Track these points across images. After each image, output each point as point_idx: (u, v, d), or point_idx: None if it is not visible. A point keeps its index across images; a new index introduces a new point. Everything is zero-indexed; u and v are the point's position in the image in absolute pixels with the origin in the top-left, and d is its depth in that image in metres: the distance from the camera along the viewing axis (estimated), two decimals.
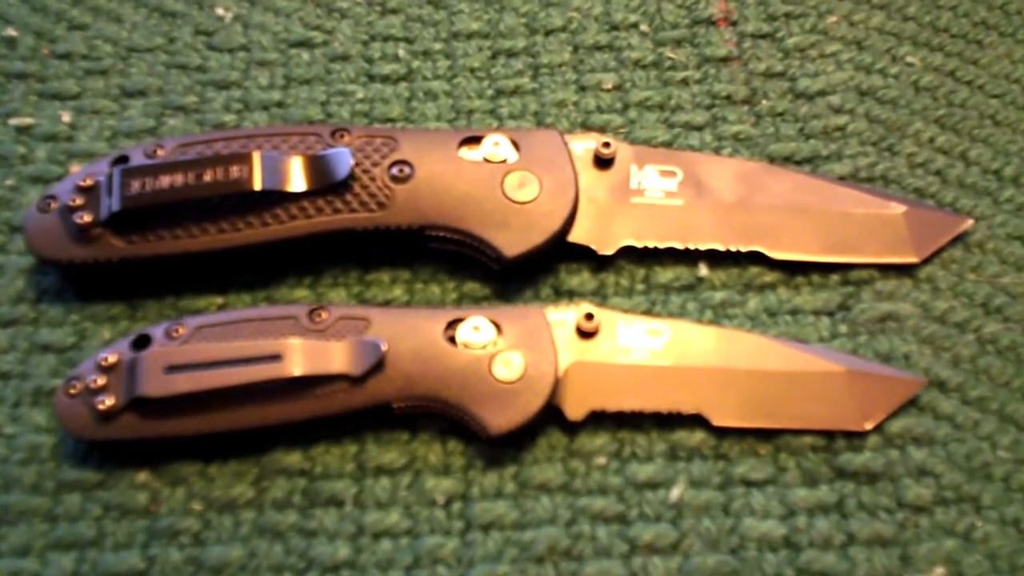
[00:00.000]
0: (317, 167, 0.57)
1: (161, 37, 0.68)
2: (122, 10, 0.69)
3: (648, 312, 0.58)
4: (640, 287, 0.59)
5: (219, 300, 0.59)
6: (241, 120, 0.64)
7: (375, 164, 0.58)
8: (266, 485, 0.54)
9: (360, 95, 0.66)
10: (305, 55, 0.67)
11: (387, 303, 0.59)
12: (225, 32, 0.68)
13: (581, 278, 0.59)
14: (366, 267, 0.60)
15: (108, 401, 0.53)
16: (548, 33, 0.68)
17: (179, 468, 0.54)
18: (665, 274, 0.59)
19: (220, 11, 0.69)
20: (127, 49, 0.68)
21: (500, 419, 0.53)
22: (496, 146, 0.59)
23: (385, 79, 0.66)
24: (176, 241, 0.57)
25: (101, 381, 0.53)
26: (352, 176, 0.57)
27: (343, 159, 0.57)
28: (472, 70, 0.67)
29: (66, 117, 0.65)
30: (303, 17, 0.69)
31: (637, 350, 0.55)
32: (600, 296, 0.59)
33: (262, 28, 0.68)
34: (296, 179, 0.56)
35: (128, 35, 0.68)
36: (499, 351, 0.54)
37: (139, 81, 0.66)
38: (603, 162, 0.59)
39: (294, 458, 0.54)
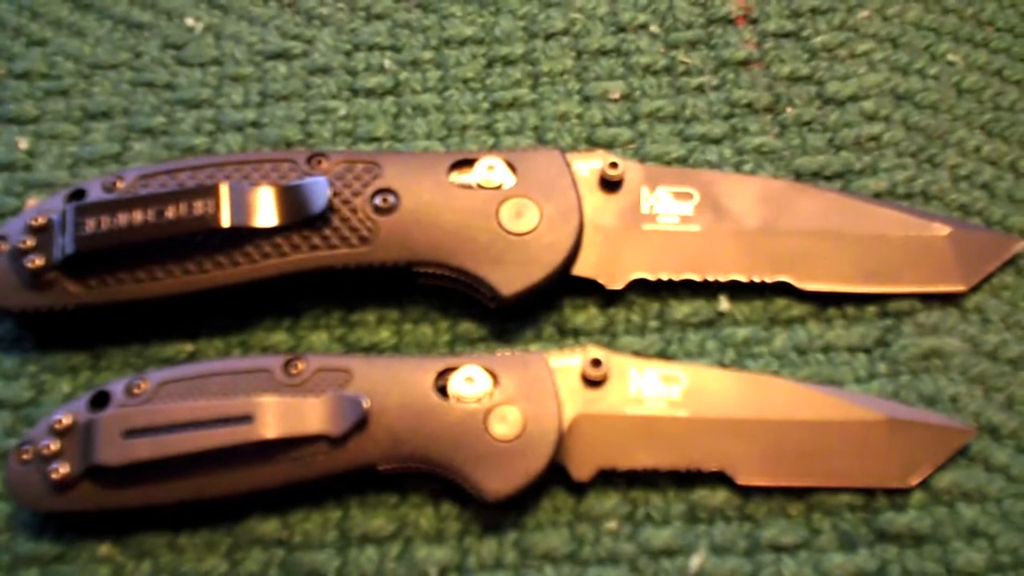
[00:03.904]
0: (290, 199, 0.52)
1: (127, 52, 0.64)
2: (85, 23, 0.64)
3: (663, 352, 0.53)
4: (654, 324, 0.54)
5: (189, 347, 0.54)
6: (213, 143, 0.60)
7: (356, 193, 0.53)
8: (240, 557, 0.49)
9: (343, 112, 0.61)
10: (282, 68, 0.63)
11: (373, 347, 0.54)
12: (195, 44, 0.63)
13: (588, 315, 0.55)
14: (350, 307, 0.55)
15: (62, 469, 0.48)
16: (548, 37, 0.63)
17: (145, 539, 0.50)
18: (681, 309, 0.54)
19: (190, 21, 0.64)
20: (90, 66, 0.63)
21: (497, 482, 0.48)
22: (490, 170, 0.54)
23: (370, 93, 0.62)
24: (138, 285, 0.52)
25: (55, 446, 0.49)
26: (330, 208, 0.52)
27: (319, 189, 0.52)
28: (465, 81, 0.62)
29: (23, 144, 0.60)
30: (280, 26, 0.64)
31: (651, 400, 0.50)
32: (609, 335, 0.54)
33: (236, 39, 0.64)
34: (266, 214, 0.51)
35: (91, 51, 0.64)
36: (495, 404, 0.49)
37: (103, 102, 0.62)
38: (610, 184, 0.54)
39: (271, 526, 0.50)
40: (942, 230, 0.54)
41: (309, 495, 0.50)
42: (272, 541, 0.49)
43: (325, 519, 0.50)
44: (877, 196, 0.57)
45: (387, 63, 0.62)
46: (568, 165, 0.54)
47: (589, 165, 0.54)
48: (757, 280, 0.54)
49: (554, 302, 0.54)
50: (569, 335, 0.54)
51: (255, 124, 0.60)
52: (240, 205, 0.51)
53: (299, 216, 0.51)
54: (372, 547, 0.49)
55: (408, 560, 0.49)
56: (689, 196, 0.55)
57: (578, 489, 0.50)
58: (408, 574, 0.49)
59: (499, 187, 0.53)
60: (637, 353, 0.53)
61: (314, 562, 0.49)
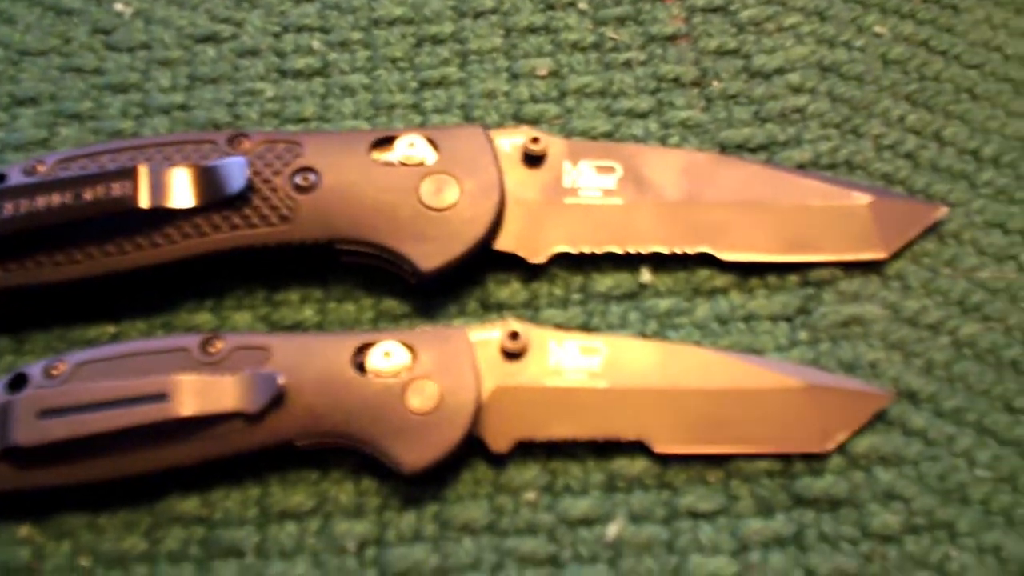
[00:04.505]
0: (208, 179, 0.52)
1: (56, 38, 0.63)
2: (14, 10, 0.64)
3: (585, 324, 0.53)
4: (576, 297, 0.54)
5: (112, 329, 0.54)
6: (140, 127, 0.60)
7: (276, 173, 0.53)
8: (160, 536, 0.49)
9: (270, 93, 0.61)
10: (211, 51, 0.63)
11: (296, 326, 0.54)
12: (125, 29, 0.63)
13: (511, 289, 0.54)
14: (273, 286, 0.55)
15: None
16: (477, 16, 0.63)
17: (64, 520, 0.50)
18: (604, 281, 0.54)
19: (119, 6, 0.64)
20: (19, 52, 0.63)
21: (414, 455, 0.48)
22: (411, 147, 0.54)
23: (298, 74, 0.61)
24: (58, 268, 0.52)
25: None
26: (250, 187, 0.52)
27: (237, 169, 0.52)
28: (394, 60, 0.62)
29: None
30: (210, 9, 0.64)
31: (570, 371, 0.50)
32: (532, 308, 0.54)
33: (165, 23, 0.63)
34: (184, 194, 0.51)
35: (20, 37, 0.63)
36: (413, 378, 0.49)
37: (30, 87, 0.61)
38: (533, 159, 0.55)
39: (191, 504, 0.50)
40: (863, 199, 0.54)
41: (229, 473, 0.50)
42: (192, 519, 0.49)
43: (245, 496, 0.50)
44: (801, 167, 0.56)
45: (316, 44, 0.62)
46: (490, 141, 0.54)
47: (512, 141, 0.54)
48: (679, 252, 0.54)
49: (477, 277, 0.54)
50: (492, 310, 0.54)
51: (183, 107, 0.60)
52: (158, 186, 0.51)
53: (217, 196, 0.51)
54: (292, 523, 0.49)
55: (327, 535, 0.49)
56: (611, 170, 0.55)
57: (498, 461, 0.50)
58: (327, 549, 0.48)
59: (420, 164, 0.53)
60: (559, 326, 0.53)
61: (234, 539, 0.49)
